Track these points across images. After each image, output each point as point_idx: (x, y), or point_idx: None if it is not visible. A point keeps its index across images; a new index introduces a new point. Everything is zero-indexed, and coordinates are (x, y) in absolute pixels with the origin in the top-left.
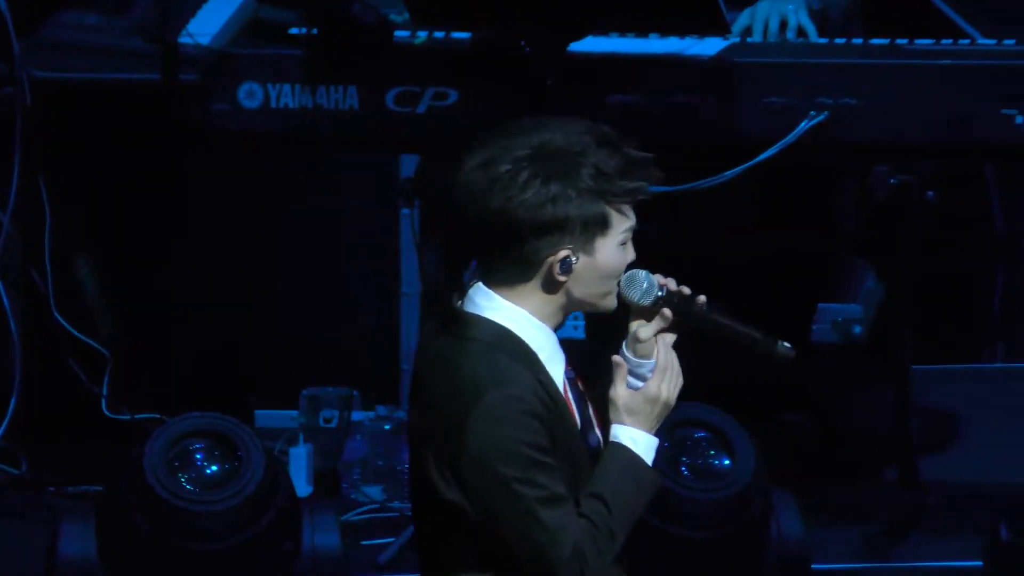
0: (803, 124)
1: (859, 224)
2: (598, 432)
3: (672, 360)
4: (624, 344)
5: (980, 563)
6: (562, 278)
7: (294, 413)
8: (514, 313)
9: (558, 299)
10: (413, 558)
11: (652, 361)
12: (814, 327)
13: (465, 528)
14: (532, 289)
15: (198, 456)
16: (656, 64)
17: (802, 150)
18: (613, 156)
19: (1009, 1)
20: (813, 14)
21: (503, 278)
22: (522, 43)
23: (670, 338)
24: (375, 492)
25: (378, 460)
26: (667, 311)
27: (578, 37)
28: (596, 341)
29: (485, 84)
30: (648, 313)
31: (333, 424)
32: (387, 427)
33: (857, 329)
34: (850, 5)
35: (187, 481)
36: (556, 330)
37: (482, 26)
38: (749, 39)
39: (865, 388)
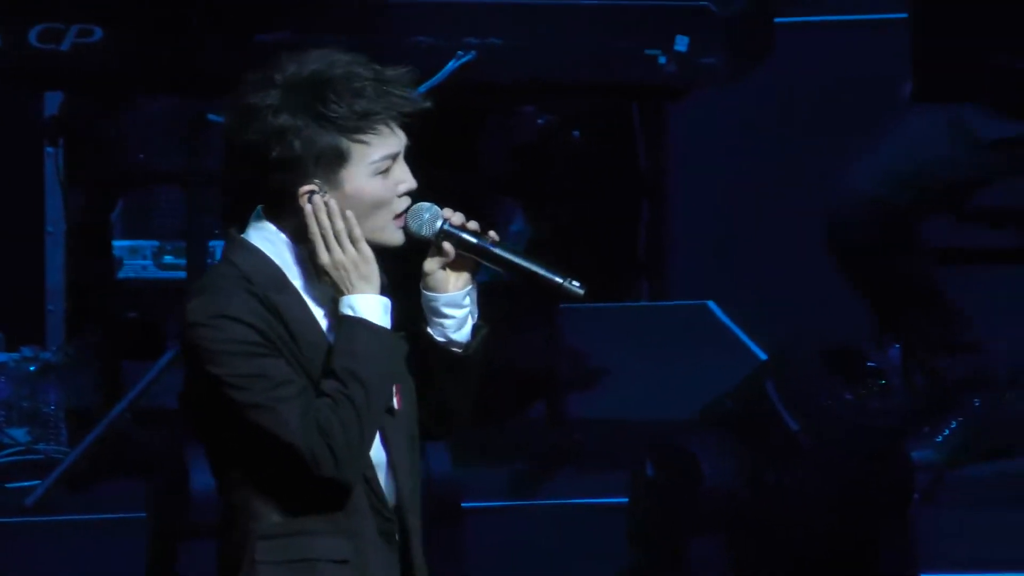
0: (450, 64)
1: (505, 165)
2: None
3: (320, 226)
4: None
5: (626, 499)
6: None
7: None
8: (275, 238)
9: None
10: (60, 500)
11: (443, 295)
12: None
13: (207, 439)
14: (292, 221)
15: None
16: (304, 3)
17: (450, 90)
18: (360, 85)
19: None
20: None
21: (269, 208)
22: None
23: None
24: (20, 434)
25: (23, 402)
26: (448, 245)
27: None
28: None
29: (131, 21)
30: (436, 247)
31: None
32: (32, 368)
33: None
34: None
35: None
36: None
37: None
38: None
39: (514, 326)
